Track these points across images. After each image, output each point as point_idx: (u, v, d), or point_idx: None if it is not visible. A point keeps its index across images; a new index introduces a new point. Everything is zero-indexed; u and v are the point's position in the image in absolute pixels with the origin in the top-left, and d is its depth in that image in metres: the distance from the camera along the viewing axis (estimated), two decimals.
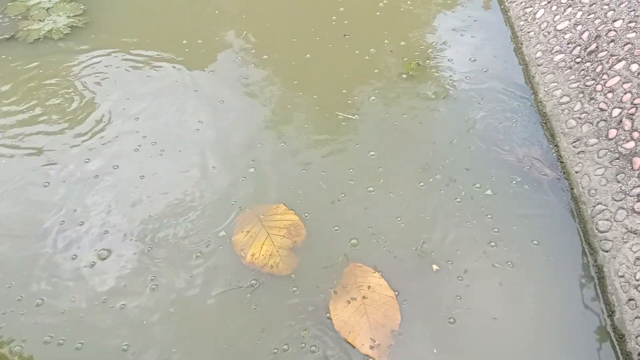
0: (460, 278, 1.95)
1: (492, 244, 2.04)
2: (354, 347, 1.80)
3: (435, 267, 1.99)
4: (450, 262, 2.00)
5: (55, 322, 1.88)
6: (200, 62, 2.93)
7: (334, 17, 3.16)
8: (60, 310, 1.91)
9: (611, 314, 1.81)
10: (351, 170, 2.32)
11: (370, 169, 2.33)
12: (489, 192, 2.20)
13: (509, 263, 1.98)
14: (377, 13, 3.21)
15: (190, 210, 2.21)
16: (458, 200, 2.19)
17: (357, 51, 2.93)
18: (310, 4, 3.32)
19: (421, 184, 2.27)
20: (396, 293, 1.92)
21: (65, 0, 3.32)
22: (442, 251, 2.03)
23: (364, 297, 1.91)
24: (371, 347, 1.79)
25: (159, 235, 2.12)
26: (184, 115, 2.62)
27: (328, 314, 1.88)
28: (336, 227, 2.12)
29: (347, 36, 3.00)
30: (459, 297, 1.90)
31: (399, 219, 2.14)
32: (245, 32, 3.13)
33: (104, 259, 2.06)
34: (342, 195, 2.24)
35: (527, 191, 2.20)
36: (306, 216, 2.17)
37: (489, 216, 2.12)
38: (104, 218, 2.19)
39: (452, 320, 1.86)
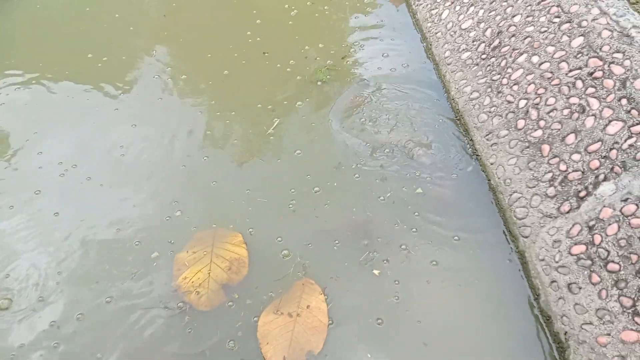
0: (397, 282, 1.96)
1: (404, 247, 2.07)
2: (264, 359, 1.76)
3: (376, 272, 1.98)
4: (386, 262, 2.00)
5: None
6: (113, 85, 2.81)
7: (248, 33, 3.13)
8: None
9: (537, 298, 1.86)
10: (287, 184, 2.30)
11: (300, 176, 2.33)
12: (419, 190, 2.24)
13: (434, 262, 2.01)
14: (290, 22, 3.22)
15: (125, 234, 2.13)
16: (382, 199, 2.21)
17: (278, 65, 2.91)
18: (226, 20, 3.28)
19: (356, 175, 2.33)
20: (330, 322, 1.86)
21: None
22: (381, 253, 2.04)
23: (298, 314, 1.86)
24: None
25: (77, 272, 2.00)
26: (103, 142, 2.52)
27: (256, 318, 1.85)
28: (279, 239, 2.09)
29: (266, 54, 2.97)
30: (396, 297, 1.91)
31: (334, 225, 2.13)
32: (154, 51, 3.04)
33: (5, 308, 1.91)
34: (289, 206, 2.22)
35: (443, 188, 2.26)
36: (250, 232, 2.13)
37: (416, 214, 2.15)
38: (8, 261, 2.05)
39: (380, 321, 1.85)
